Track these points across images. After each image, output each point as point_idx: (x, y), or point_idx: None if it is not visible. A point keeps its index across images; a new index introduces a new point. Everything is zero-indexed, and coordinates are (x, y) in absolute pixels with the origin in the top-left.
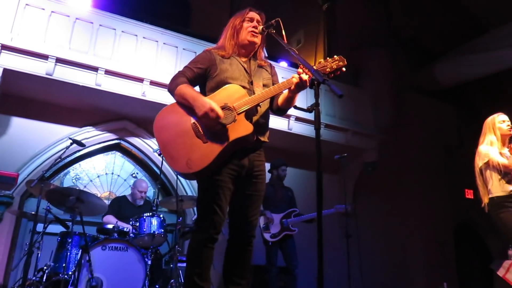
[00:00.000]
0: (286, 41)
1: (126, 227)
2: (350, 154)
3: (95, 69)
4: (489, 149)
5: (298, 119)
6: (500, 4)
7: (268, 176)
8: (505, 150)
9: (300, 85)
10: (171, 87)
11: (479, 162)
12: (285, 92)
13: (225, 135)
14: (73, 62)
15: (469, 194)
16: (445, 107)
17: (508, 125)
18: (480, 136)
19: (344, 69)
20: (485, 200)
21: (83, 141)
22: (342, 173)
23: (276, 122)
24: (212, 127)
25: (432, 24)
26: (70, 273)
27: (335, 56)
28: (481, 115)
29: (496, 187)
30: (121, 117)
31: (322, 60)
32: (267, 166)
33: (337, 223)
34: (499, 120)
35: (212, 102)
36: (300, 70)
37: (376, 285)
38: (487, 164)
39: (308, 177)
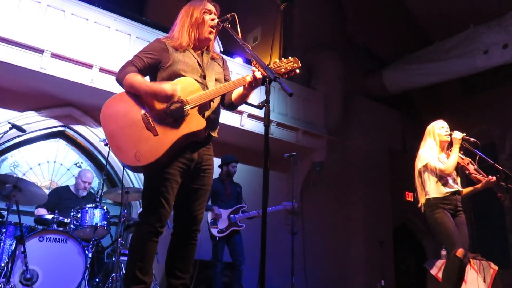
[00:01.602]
0: (240, 37)
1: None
2: (299, 153)
3: (40, 51)
4: (428, 153)
5: (250, 115)
6: (446, 19)
7: (218, 171)
8: (443, 155)
9: (254, 84)
10: (120, 77)
11: (418, 165)
12: (240, 88)
13: (177, 129)
14: (16, 42)
15: (409, 197)
16: (391, 112)
17: (447, 131)
18: (421, 141)
19: (298, 71)
20: (422, 200)
21: (23, 127)
22: (291, 171)
23: (228, 118)
24: (165, 118)
25: (383, 33)
26: (2, 264)
27: (290, 58)
28: (423, 121)
29: (433, 189)
30: (67, 103)
31: (277, 60)
32: (217, 161)
33: (284, 220)
34: (438, 126)
35: (166, 85)
36: (254, 68)
37: (318, 281)
38: (426, 167)
39: (258, 174)
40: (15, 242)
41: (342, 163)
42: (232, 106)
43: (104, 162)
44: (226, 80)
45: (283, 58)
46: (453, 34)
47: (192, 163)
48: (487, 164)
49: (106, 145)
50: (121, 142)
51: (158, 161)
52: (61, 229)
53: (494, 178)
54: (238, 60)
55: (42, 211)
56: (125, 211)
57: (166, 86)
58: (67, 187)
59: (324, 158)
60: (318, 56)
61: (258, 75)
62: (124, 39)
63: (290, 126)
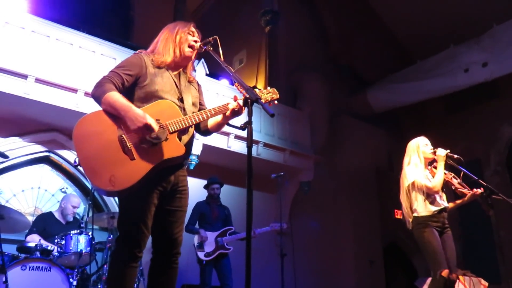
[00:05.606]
0: (223, 59)
1: (50, 245)
2: (287, 174)
3: (24, 76)
4: (414, 171)
5: (237, 137)
6: (427, 39)
7: (199, 192)
8: (427, 172)
9: (236, 111)
10: (97, 94)
11: (405, 182)
12: (218, 116)
13: (155, 154)
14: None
15: (398, 215)
16: (377, 131)
17: (431, 149)
18: (404, 157)
19: (276, 101)
20: (410, 218)
21: (7, 153)
22: (279, 192)
23: (215, 140)
24: (143, 142)
25: (367, 53)
26: None
27: (269, 88)
28: (408, 139)
29: (421, 207)
30: (52, 128)
31: (257, 89)
32: (204, 182)
33: (273, 241)
34: (423, 144)
35: (149, 117)
36: (237, 95)
37: None
38: (413, 185)
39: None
40: None
41: (330, 183)
42: (207, 133)
43: (90, 187)
44: (200, 104)
45: (262, 89)
46: (434, 53)
47: (169, 185)
48: (471, 180)
49: (76, 166)
50: (95, 165)
51: (134, 186)
52: (44, 257)
53: (479, 191)
54: (224, 82)
55: (35, 238)
56: (111, 236)
57: (149, 120)
58: (50, 213)
59: (312, 178)
60: (303, 77)
61: (241, 102)
62: (109, 63)
63: (277, 147)
